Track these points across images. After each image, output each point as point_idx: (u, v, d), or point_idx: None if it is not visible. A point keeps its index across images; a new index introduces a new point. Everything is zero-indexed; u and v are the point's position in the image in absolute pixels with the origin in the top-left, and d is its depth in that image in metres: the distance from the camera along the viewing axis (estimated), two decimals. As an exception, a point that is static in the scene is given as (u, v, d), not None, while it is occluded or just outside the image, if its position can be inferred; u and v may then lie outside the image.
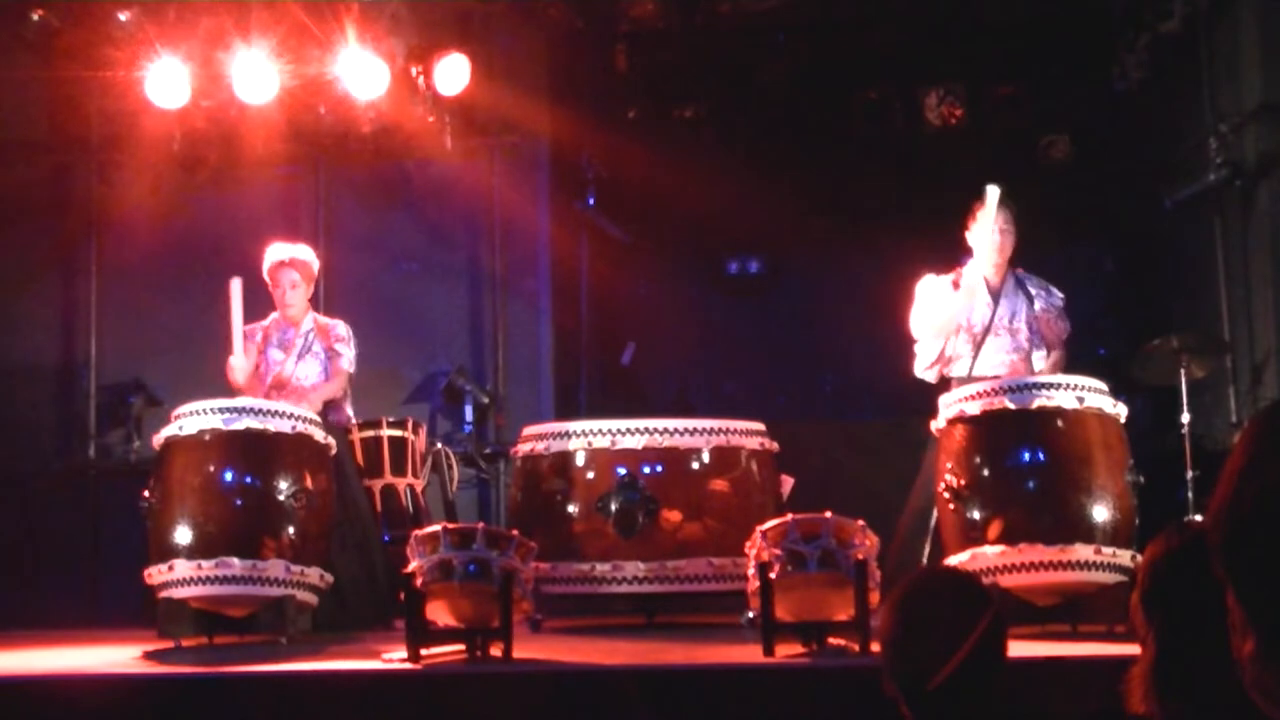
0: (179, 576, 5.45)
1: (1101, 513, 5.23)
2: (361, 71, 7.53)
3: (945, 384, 5.94)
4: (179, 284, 8.54)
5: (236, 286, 6.23)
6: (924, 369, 6.04)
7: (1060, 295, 6.05)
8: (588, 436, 6.11)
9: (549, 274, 8.84)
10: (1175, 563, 2.10)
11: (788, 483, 6.35)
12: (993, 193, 5.89)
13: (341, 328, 6.49)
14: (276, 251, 6.45)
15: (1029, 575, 5.17)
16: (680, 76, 9.39)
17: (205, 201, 8.60)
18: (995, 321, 5.96)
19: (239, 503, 5.65)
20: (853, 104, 9.44)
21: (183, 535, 5.50)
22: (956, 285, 6.01)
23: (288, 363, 6.36)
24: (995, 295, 6.00)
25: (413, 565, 4.89)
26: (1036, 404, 5.33)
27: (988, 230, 5.92)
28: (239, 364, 6.24)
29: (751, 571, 5.02)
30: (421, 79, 7.84)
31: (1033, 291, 6.02)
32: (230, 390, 6.26)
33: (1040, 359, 5.97)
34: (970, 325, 5.98)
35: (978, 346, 5.94)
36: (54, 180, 8.60)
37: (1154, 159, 8.64)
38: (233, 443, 5.63)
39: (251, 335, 6.42)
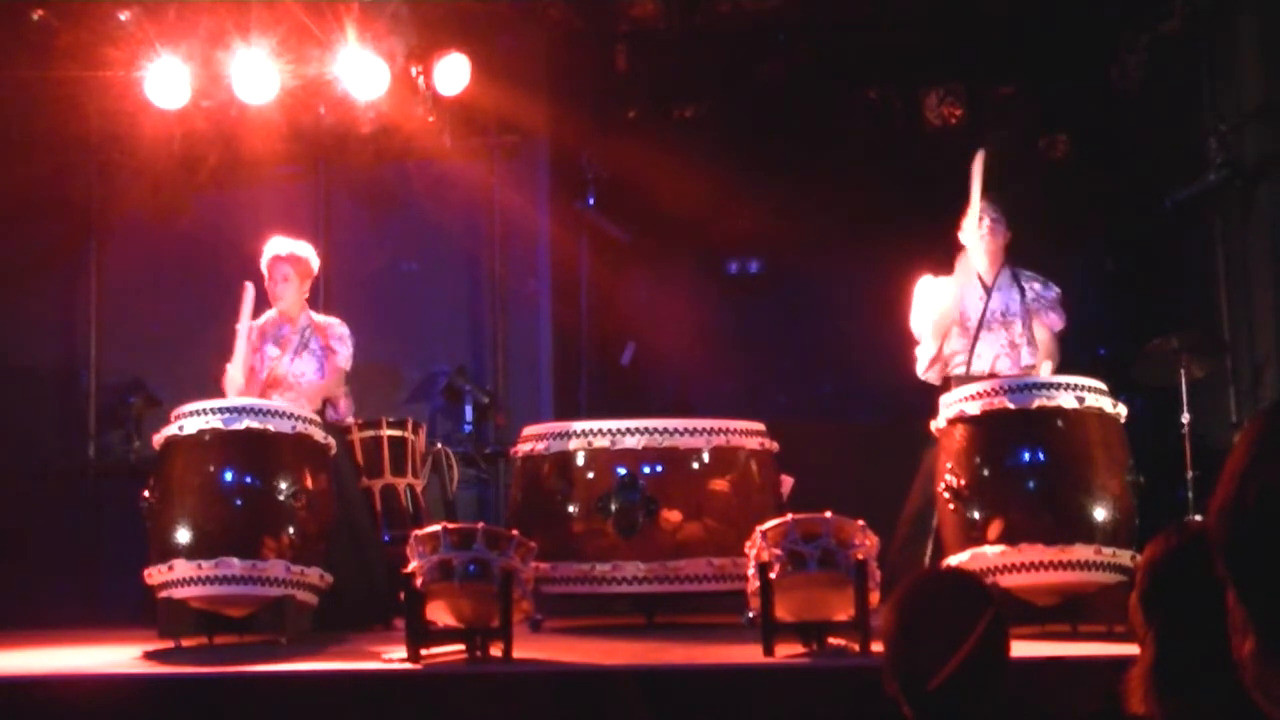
0: (179, 576, 5.46)
1: (1101, 513, 5.24)
2: (361, 71, 7.53)
3: (946, 382, 5.95)
4: (179, 284, 8.54)
5: (249, 293, 6.21)
6: (925, 370, 6.05)
7: (1056, 289, 6.06)
8: (588, 436, 6.11)
9: (549, 274, 8.84)
10: (1175, 563, 2.10)
11: (788, 483, 6.36)
12: (978, 161, 5.93)
13: (339, 326, 6.49)
14: (274, 246, 6.46)
15: (1029, 575, 5.18)
16: (680, 76, 9.38)
17: (205, 201, 8.60)
18: (988, 315, 5.98)
19: (239, 503, 5.65)
20: (853, 104, 9.43)
21: (183, 535, 5.50)
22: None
23: (283, 359, 6.36)
24: (988, 290, 6.02)
25: (413, 565, 4.89)
26: (1036, 404, 5.33)
27: (975, 199, 5.93)
28: (235, 376, 6.19)
29: (751, 571, 5.02)
30: (421, 79, 7.84)
31: (1025, 285, 6.03)
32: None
33: (1030, 354, 5.97)
34: (965, 320, 6.00)
35: (973, 342, 5.96)
36: (54, 180, 8.58)
37: (1154, 159, 8.63)
38: (233, 443, 5.64)
39: (248, 334, 6.42)
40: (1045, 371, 5.93)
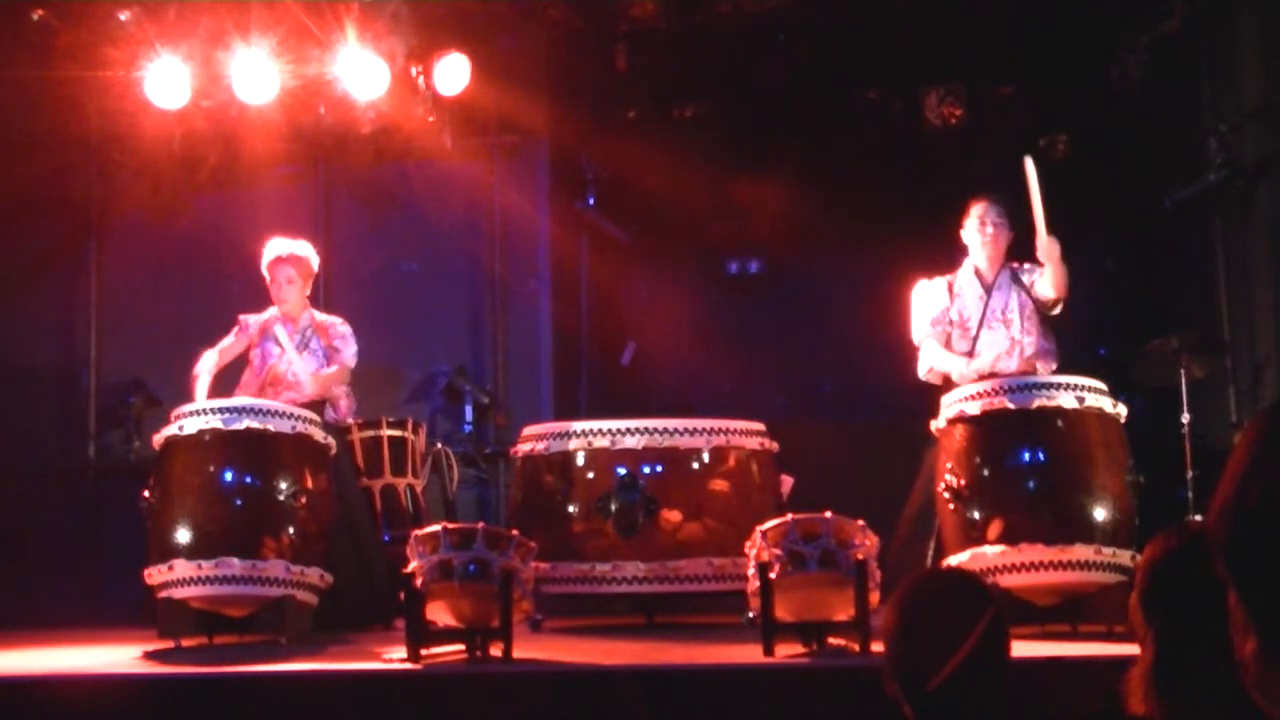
0: (179, 576, 5.46)
1: (1101, 513, 5.24)
2: (361, 71, 7.52)
3: (947, 382, 5.95)
4: (179, 284, 8.54)
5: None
6: (925, 373, 6.06)
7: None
8: (588, 436, 6.11)
9: (549, 274, 8.84)
10: (1175, 563, 2.10)
11: (788, 483, 6.36)
12: (1029, 165, 5.87)
13: (341, 325, 6.51)
14: (275, 247, 6.47)
15: (1029, 575, 5.18)
16: (680, 76, 9.38)
17: (205, 201, 8.59)
18: (988, 314, 5.98)
19: (239, 503, 5.65)
20: (853, 104, 9.43)
21: (183, 535, 5.50)
22: (951, 288, 6.05)
23: (284, 358, 6.36)
24: (988, 289, 6.03)
25: (413, 565, 4.89)
26: (1036, 404, 5.33)
27: (1034, 203, 5.87)
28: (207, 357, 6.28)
29: (751, 571, 5.02)
30: (421, 79, 7.83)
31: (1024, 278, 6.04)
32: (226, 389, 6.28)
33: (1030, 344, 5.96)
34: (964, 319, 6.01)
35: (973, 341, 5.96)
36: (54, 180, 8.58)
37: (1154, 159, 8.63)
38: (233, 443, 5.63)
39: (246, 327, 6.45)
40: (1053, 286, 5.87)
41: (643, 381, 9.53)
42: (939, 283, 6.08)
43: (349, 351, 6.44)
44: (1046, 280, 5.91)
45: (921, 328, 6.04)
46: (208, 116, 7.94)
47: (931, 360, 6.00)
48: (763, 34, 9.03)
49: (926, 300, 6.05)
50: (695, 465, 6.08)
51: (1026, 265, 6.06)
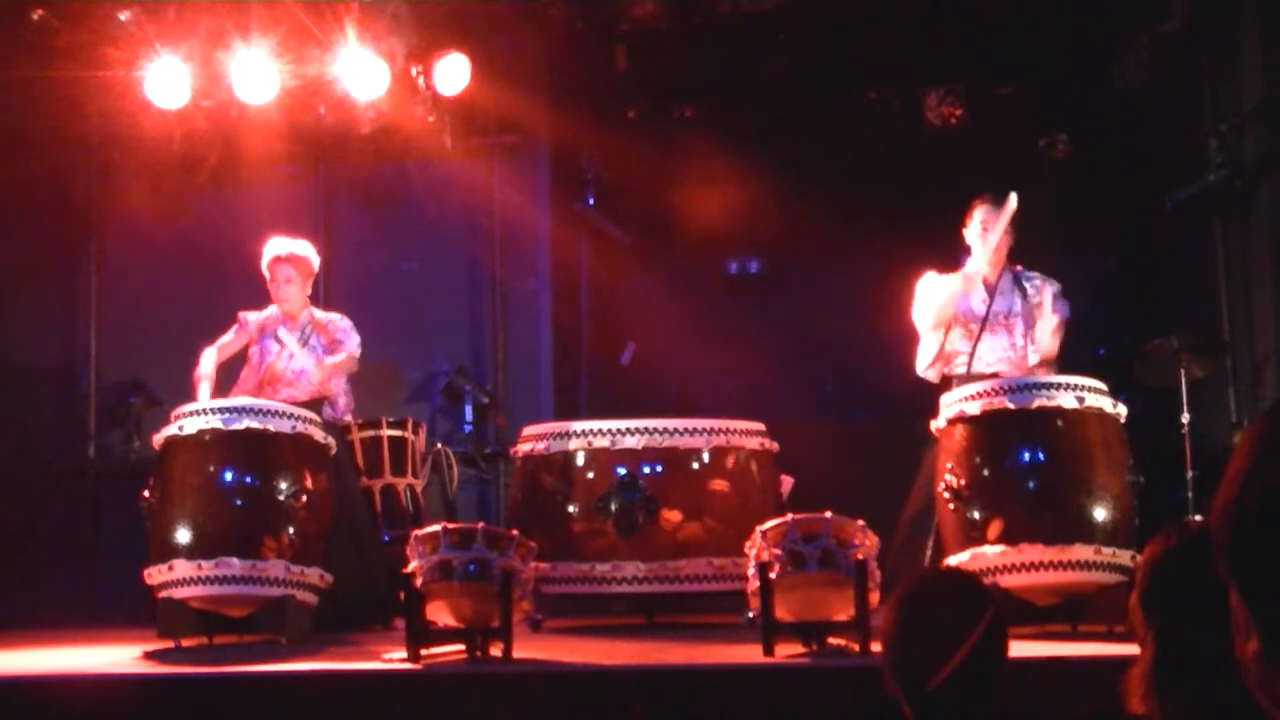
0: (179, 576, 5.46)
1: (1101, 513, 5.23)
2: (361, 71, 7.52)
3: (946, 382, 5.95)
4: (179, 284, 8.53)
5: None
6: (925, 367, 6.05)
7: (1056, 284, 6.06)
8: (588, 436, 6.11)
9: (549, 274, 8.85)
10: (1175, 563, 2.10)
11: (788, 483, 6.36)
12: (1012, 199, 5.90)
13: (341, 320, 6.50)
14: (275, 246, 6.46)
15: (1029, 575, 5.18)
16: (680, 76, 9.38)
17: (205, 201, 8.60)
18: (991, 317, 5.98)
19: (239, 503, 5.65)
20: (853, 104, 9.44)
21: (183, 535, 5.50)
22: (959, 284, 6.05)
23: (283, 354, 6.36)
24: (991, 291, 6.02)
25: (413, 565, 4.89)
26: (1036, 404, 5.33)
27: (998, 233, 5.93)
28: (207, 355, 6.24)
29: (751, 571, 5.02)
30: (421, 79, 7.84)
31: (1027, 285, 6.04)
32: (224, 387, 6.28)
33: (1035, 352, 5.97)
34: (967, 321, 6.00)
35: (975, 342, 5.96)
36: (54, 180, 8.59)
37: (1154, 159, 8.63)
38: (233, 443, 5.63)
39: (245, 324, 6.44)
40: (1040, 342, 5.91)
41: (643, 381, 9.54)
42: (948, 277, 6.06)
43: (353, 342, 6.43)
44: (1040, 334, 5.94)
45: (926, 318, 6.01)
46: (208, 116, 7.95)
47: (934, 355, 6.00)
48: (763, 34, 9.02)
49: (935, 292, 6.01)
50: (695, 465, 6.08)
51: (1036, 278, 6.05)
